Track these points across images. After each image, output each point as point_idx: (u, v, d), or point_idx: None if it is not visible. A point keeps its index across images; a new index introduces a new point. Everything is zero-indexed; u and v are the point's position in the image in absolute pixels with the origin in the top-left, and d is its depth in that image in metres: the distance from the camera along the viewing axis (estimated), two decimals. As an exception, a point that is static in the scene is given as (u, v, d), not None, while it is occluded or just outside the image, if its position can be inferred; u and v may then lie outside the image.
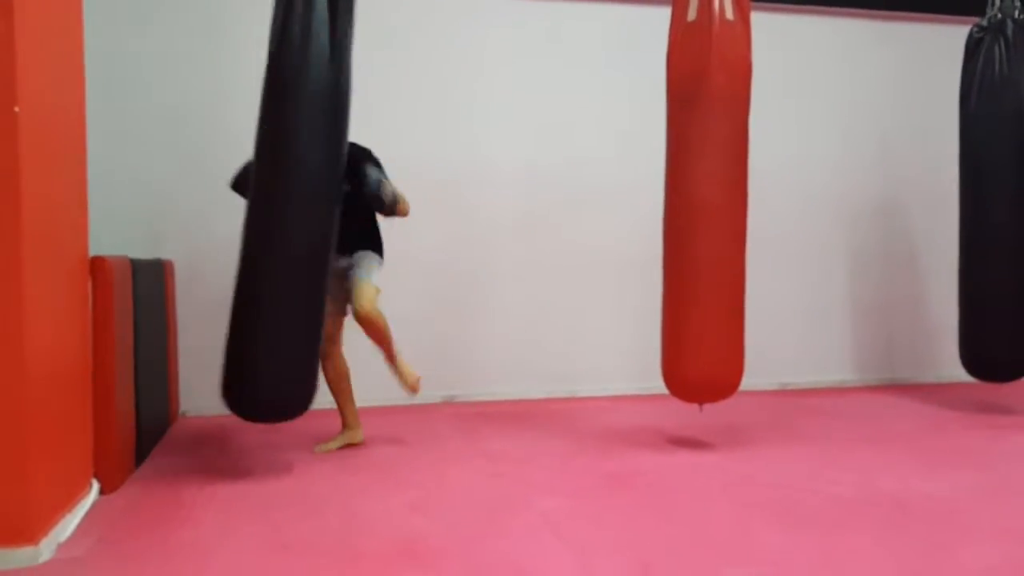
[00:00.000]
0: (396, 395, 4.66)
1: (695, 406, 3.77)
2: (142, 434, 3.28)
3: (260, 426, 3.34)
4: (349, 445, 3.55)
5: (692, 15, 3.48)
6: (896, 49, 5.41)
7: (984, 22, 4.29)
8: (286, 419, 3.10)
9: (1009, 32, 4.20)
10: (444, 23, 4.80)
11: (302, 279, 2.95)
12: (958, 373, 5.42)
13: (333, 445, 3.52)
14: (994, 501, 2.81)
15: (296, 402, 3.02)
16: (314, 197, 2.95)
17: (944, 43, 5.41)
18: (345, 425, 3.58)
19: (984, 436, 3.83)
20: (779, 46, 4.89)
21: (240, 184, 3.28)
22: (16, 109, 2.14)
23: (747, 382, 3.74)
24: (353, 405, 3.57)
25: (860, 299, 5.37)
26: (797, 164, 5.19)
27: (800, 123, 5.19)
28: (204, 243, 4.27)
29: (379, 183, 3.34)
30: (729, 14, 3.45)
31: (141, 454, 3.28)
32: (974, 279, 4.30)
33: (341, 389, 3.54)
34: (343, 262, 3.43)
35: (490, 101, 4.85)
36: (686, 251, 3.49)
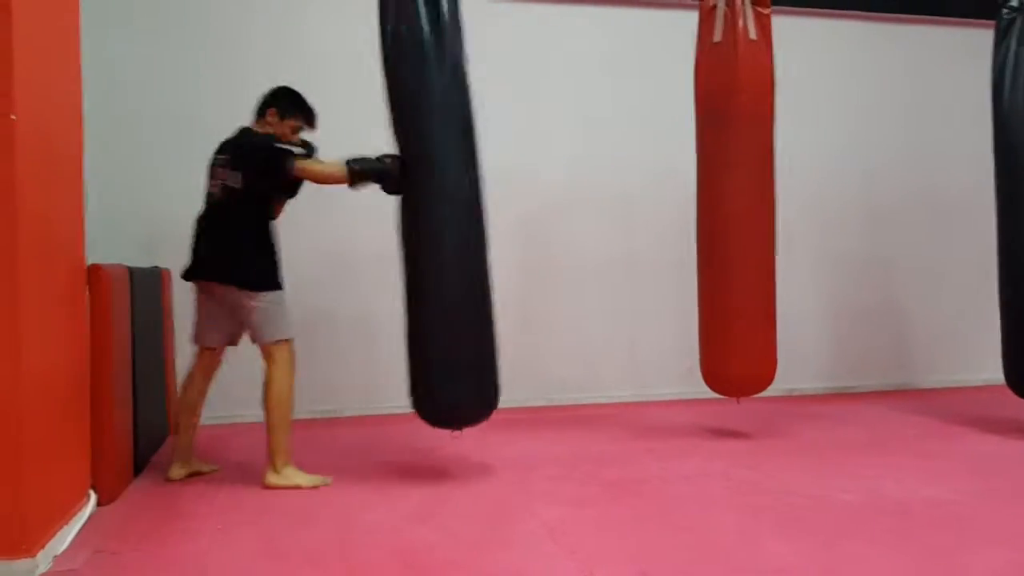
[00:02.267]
0: (392, 404, 4.65)
1: (698, 412, 3.91)
2: (140, 444, 3.31)
3: (257, 435, 3.27)
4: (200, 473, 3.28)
5: (718, 36, 3.68)
6: (889, 53, 5.40)
7: (1015, 2, 3.98)
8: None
9: None
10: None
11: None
12: (960, 378, 5.43)
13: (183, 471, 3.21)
14: (999, 506, 2.83)
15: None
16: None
17: (942, 46, 5.42)
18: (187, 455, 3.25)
19: (987, 441, 3.84)
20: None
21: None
22: (13, 117, 2.16)
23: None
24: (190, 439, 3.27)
25: (863, 305, 5.37)
26: (793, 170, 5.17)
27: (791, 128, 5.16)
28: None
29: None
30: (752, 34, 3.62)
31: (139, 464, 3.32)
32: (1015, 287, 3.88)
33: (191, 423, 3.25)
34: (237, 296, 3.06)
35: (502, 103, 4.84)
36: (722, 260, 3.74)
